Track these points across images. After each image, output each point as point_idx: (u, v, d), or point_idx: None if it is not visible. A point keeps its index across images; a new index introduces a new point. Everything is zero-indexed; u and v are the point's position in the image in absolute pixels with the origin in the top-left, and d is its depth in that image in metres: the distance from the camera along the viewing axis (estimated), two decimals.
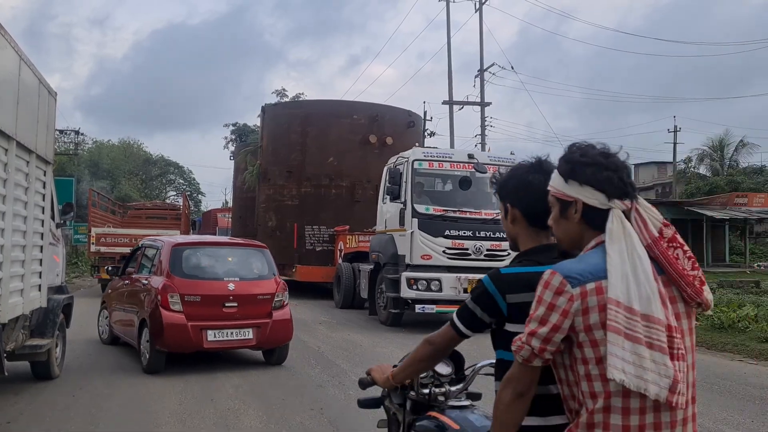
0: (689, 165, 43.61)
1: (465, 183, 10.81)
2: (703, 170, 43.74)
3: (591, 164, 1.69)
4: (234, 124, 67.30)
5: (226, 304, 7.41)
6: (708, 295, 1.65)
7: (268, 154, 19.41)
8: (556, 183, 1.76)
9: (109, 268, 10.13)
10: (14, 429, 5.31)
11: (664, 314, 1.53)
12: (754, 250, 36.34)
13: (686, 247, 1.63)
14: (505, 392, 1.66)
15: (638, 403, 1.53)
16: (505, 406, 1.66)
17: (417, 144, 18.61)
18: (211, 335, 7.32)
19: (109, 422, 5.65)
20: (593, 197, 1.68)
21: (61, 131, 39.01)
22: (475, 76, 29.96)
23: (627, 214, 1.66)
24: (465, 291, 10.08)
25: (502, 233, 10.29)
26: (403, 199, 10.90)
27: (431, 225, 10.83)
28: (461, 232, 11.02)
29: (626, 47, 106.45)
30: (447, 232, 10.85)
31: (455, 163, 11.36)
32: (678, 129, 45.47)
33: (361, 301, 13.31)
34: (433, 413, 2.21)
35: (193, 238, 9.85)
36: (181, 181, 72.66)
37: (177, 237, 9.11)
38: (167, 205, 27.82)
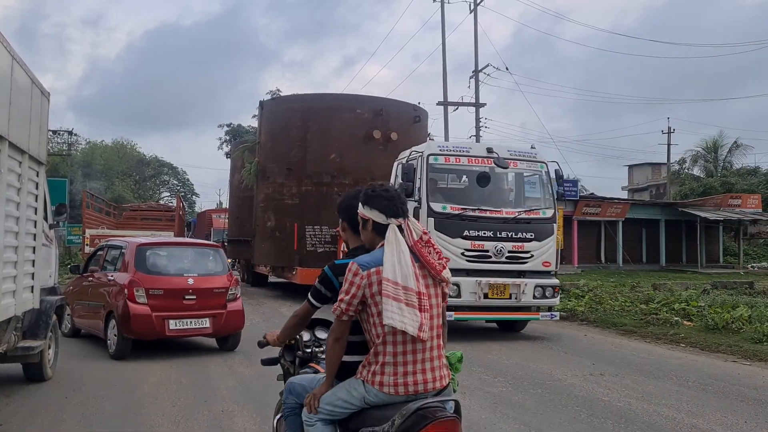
0: (683, 166, 44.20)
1: (483, 179, 10.37)
2: (697, 171, 44.26)
3: (377, 197, 2.75)
4: (228, 125, 66.49)
5: (186, 297, 8.44)
6: (446, 274, 2.71)
7: (267, 150, 18.57)
8: (360, 208, 2.81)
9: (71, 266, 10.77)
10: (7, 431, 5.40)
11: (416, 286, 2.51)
12: (748, 252, 36.69)
13: (437, 247, 2.75)
14: (330, 338, 2.70)
15: (401, 338, 2.54)
16: (329, 347, 2.71)
17: (431, 137, 17.06)
18: (172, 324, 8.31)
19: (103, 424, 5.64)
20: (378, 217, 2.73)
21: (54, 132, 38.97)
22: (470, 77, 29.96)
23: (401, 227, 2.66)
24: (485, 296, 9.75)
25: (524, 233, 10.01)
26: (417, 197, 10.25)
27: (449, 225, 10.22)
28: (481, 233, 10.38)
29: (620, 48, 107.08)
30: (466, 233, 10.21)
31: (473, 158, 10.83)
32: (672, 130, 46.33)
33: None
34: (312, 364, 3.25)
35: (156, 239, 11.09)
36: (175, 181, 70.52)
37: (140, 238, 10.31)
38: (162, 207, 28.46)
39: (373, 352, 2.63)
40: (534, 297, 10.06)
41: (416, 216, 10.08)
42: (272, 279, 21.79)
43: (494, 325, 12.05)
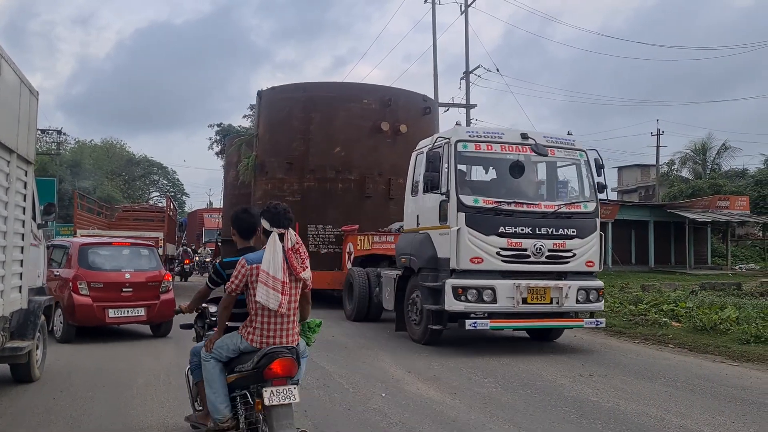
0: (672, 168, 44.63)
1: (517, 169, 9.20)
2: (685, 173, 44.66)
3: (267, 211, 4.12)
4: (219, 125, 67.23)
5: (123, 289, 9.88)
6: (305, 274, 4.17)
7: (266, 143, 17.57)
8: (260, 219, 4.26)
9: None
10: None
11: (282, 277, 3.91)
12: (736, 253, 37.10)
13: (304, 254, 4.22)
14: (220, 306, 4.21)
15: (267, 312, 3.95)
16: (220, 311, 4.25)
17: (460, 121, 17.25)
18: (111, 313, 9.72)
19: (91, 426, 5.64)
20: (266, 225, 4.05)
21: (42, 131, 38.80)
22: (461, 78, 29.70)
23: (282, 235, 3.99)
24: (524, 301, 8.79)
25: (565, 230, 9.28)
26: (444, 190, 9.23)
27: (481, 221, 9.06)
28: (518, 229, 9.17)
29: (610, 50, 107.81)
30: (501, 229, 9.03)
31: (507, 145, 9.63)
32: (661, 132, 47.57)
33: (377, 311, 12.23)
34: (215, 328, 4.56)
35: (97, 239, 12.32)
36: (164, 181, 69.56)
37: (83, 238, 11.96)
38: (154, 208, 28.58)
39: (249, 318, 4.06)
40: (577, 301, 9.11)
41: (443, 210, 9.29)
42: None
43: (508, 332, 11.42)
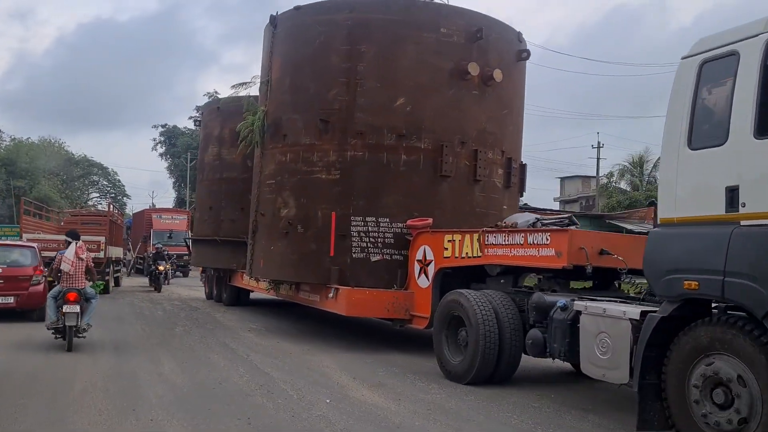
0: (611, 180, 47.06)
1: None
2: (624, 185, 50.28)
3: (69, 233, 12.97)
4: (163, 126, 69.57)
5: None
6: (82, 256, 12.06)
7: (284, 93, 13.57)
8: (67, 235, 15.53)
9: None
10: None
11: (73, 258, 11.53)
12: None
13: (82, 253, 11.39)
14: (53, 272, 13.24)
15: (66, 274, 11.60)
16: (54, 275, 13.20)
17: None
18: None
19: None
20: (68, 238, 12.53)
21: None
22: None
23: (75, 242, 12.45)
24: None
25: None
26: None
27: None
28: None
29: (554, 64, 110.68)
30: None
31: None
32: (601, 145, 55.35)
33: (510, 369, 9.25)
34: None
35: None
36: (105, 182, 70.79)
37: None
38: (102, 212, 32.61)
39: (62, 276, 12.48)
40: None
41: None
42: (257, 295, 18.82)
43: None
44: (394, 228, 11.71)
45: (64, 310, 10.81)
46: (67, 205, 55.73)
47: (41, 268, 15.24)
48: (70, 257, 11.43)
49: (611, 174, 56.62)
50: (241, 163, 17.28)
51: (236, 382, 8.45)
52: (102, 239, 22.92)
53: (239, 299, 18.19)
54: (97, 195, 75.90)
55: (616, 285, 8.96)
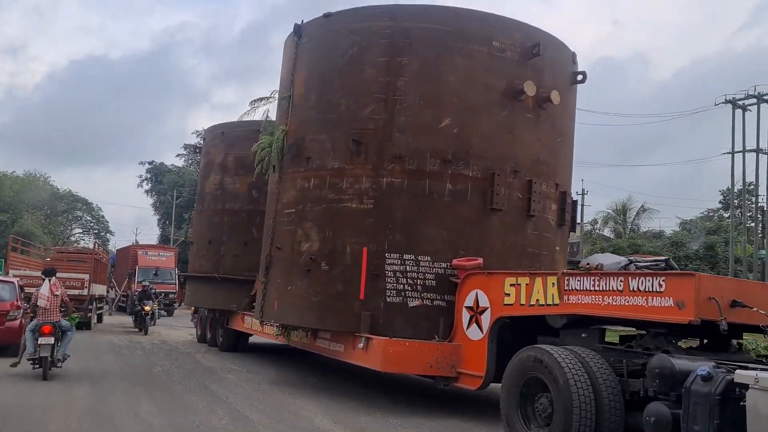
0: (595, 227, 46.85)
1: None
2: (607, 232, 59.67)
3: (45, 271, 14.30)
4: (150, 162, 67.57)
5: None
6: (57, 292, 12.91)
7: (308, 109, 12.09)
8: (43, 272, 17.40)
9: None
10: None
11: (48, 294, 12.20)
12: None
13: (56, 290, 12.12)
14: (32, 306, 13.87)
15: (43, 309, 12.22)
16: (31, 309, 13.50)
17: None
18: None
19: None
20: (44, 275, 14.02)
21: None
22: None
23: (51, 279, 13.07)
24: None
25: None
26: None
27: None
28: None
29: None
30: None
31: None
32: (585, 192, 53.90)
33: None
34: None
35: None
36: (88, 218, 78.40)
37: None
38: (87, 250, 32.33)
39: (38, 311, 13.31)
40: None
41: None
42: (256, 339, 17.26)
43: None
44: (437, 268, 10.20)
45: (39, 342, 11.75)
46: (50, 240, 55.15)
47: (19, 303, 15.08)
48: (45, 293, 12.43)
49: (595, 221, 57.06)
50: (246, 192, 16.31)
51: (214, 426, 8.04)
52: (86, 277, 23.11)
53: (237, 344, 16.46)
54: (81, 231, 74.30)
55: (735, 344, 7.57)
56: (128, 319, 26.42)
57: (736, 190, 43.03)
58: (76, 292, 21.10)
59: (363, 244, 10.38)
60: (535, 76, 10.93)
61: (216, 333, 17.40)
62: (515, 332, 8.87)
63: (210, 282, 16.75)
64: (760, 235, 46.60)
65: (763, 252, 43.57)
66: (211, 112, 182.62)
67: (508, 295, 8.88)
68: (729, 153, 39.53)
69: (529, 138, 10.85)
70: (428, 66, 10.92)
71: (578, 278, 7.91)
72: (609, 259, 8.50)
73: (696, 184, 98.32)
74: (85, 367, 12.69)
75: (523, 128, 10.89)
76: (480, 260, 9.96)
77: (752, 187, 44.51)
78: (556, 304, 8.11)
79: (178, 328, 24.79)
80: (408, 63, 10.88)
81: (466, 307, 9.67)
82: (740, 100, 39.83)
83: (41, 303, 12.25)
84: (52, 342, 11.85)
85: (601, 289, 7.64)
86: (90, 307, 22.25)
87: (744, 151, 39.66)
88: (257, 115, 13.35)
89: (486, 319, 9.24)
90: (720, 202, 56.61)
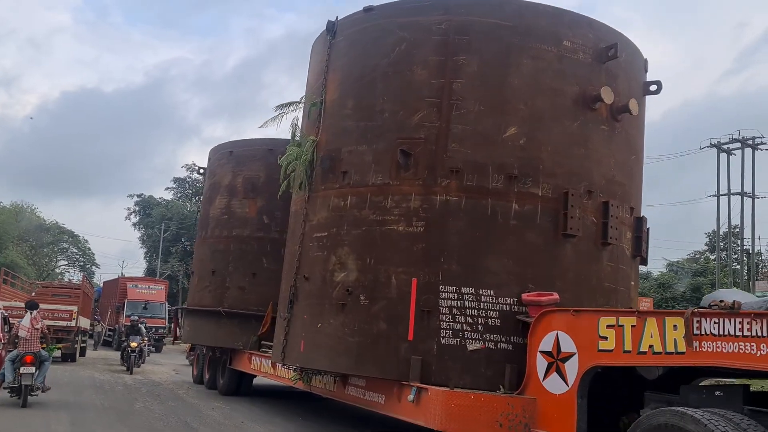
0: None
1: None
2: None
3: (27, 303, 16.19)
4: (139, 195, 65.03)
5: None
6: (37, 326, 14.66)
7: (344, 117, 10.49)
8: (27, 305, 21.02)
9: None
10: None
11: (30, 326, 13.44)
12: None
13: (36, 323, 13.39)
14: (12, 337, 16.84)
15: (24, 340, 13.48)
16: (11, 341, 16.39)
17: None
18: None
19: None
20: (26, 306, 16.35)
21: None
22: None
23: (32, 312, 15.02)
24: None
25: None
26: None
27: None
28: None
29: None
30: None
31: None
32: None
33: None
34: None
35: None
36: (74, 250, 77.60)
37: None
38: (73, 285, 33.31)
39: (19, 342, 15.11)
40: None
41: None
42: (260, 380, 15.51)
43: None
44: (501, 304, 8.55)
45: (20, 371, 12.73)
46: (34, 272, 56.88)
47: (2, 334, 14.70)
48: (26, 325, 13.36)
49: None
50: (256, 217, 14.98)
51: None
52: (74, 309, 23.59)
53: (240, 387, 15.08)
54: (66, 263, 76.48)
55: None
56: (114, 354, 26.32)
57: (721, 233, 43.99)
58: (63, 323, 21.60)
59: (412, 274, 8.75)
60: (609, 82, 9.49)
61: (216, 374, 16.02)
62: (607, 384, 7.34)
63: (212, 317, 15.19)
64: (746, 277, 45.82)
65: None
66: (201, 146, 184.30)
67: (605, 339, 7.09)
68: (714, 195, 40.96)
69: (604, 153, 9.40)
70: (489, 67, 9.45)
71: (716, 320, 5.89)
72: (744, 297, 6.83)
73: (683, 225, 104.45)
74: (65, 402, 12.50)
75: (597, 142, 9.49)
76: (556, 295, 8.37)
77: (737, 229, 44.31)
78: (682, 353, 6.27)
79: (166, 365, 23.36)
80: (466, 63, 9.39)
81: (542, 352, 7.88)
82: (725, 144, 40.87)
83: (22, 334, 13.03)
84: (33, 371, 12.62)
85: (751, 335, 5.67)
86: (77, 338, 22.77)
87: (729, 194, 40.46)
88: (284, 123, 11.32)
89: (572, 368, 7.42)
90: (706, 245, 57.34)
